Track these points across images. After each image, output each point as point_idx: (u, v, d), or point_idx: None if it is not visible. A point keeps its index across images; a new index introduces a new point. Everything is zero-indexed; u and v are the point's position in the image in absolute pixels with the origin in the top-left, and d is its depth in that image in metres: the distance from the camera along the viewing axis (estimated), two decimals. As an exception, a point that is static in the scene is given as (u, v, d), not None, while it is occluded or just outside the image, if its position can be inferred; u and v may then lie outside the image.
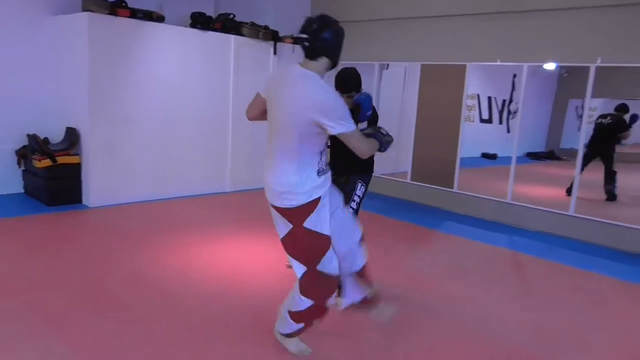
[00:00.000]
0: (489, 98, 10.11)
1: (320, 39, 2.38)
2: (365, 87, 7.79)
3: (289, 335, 2.73)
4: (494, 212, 6.26)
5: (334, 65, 2.48)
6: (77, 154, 5.47)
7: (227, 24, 6.52)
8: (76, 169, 5.45)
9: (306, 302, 2.55)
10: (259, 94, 2.67)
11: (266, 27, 6.82)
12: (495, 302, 3.71)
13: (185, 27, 6.14)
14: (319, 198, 2.44)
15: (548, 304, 3.76)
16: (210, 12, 6.73)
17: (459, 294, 3.84)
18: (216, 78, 6.44)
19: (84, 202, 5.55)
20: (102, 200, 5.52)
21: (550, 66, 6.12)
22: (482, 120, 10.04)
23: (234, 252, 4.40)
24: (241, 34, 6.61)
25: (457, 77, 6.46)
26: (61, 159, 5.29)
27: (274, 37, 6.94)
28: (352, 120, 2.34)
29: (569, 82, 9.43)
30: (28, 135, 5.40)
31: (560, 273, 4.50)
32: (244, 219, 5.48)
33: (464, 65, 6.39)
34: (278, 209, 2.51)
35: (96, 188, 5.47)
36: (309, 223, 2.44)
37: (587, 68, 5.42)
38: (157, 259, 4.05)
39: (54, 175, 5.25)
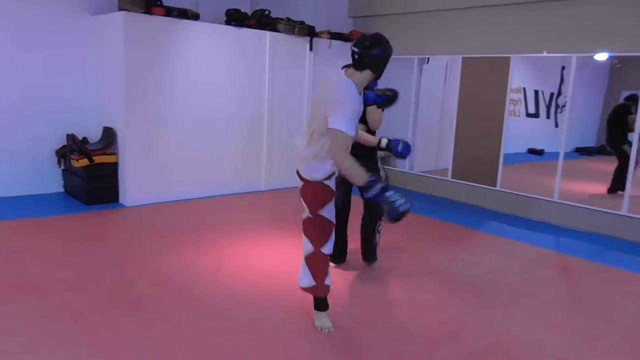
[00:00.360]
0: (536, 91, 9.67)
1: (370, 55, 2.67)
2: (404, 82, 7.63)
3: (309, 291, 2.99)
4: (540, 212, 5.93)
5: (377, 78, 2.81)
6: (114, 154, 5.52)
7: (262, 20, 6.44)
8: (113, 168, 5.50)
9: (309, 245, 2.93)
10: None
11: (302, 23, 6.70)
12: (541, 308, 3.46)
13: (221, 24, 6.09)
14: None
15: (600, 311, 3.48)
16: (246, 8, 6.66)
17: (501, 299, 3.61)
18: (252, 75, 6.38)
19: (121, 201, 5.60)
20: (138, 199, 5.55)
21: (601, 57, 5.72)
22: (529, 115, 9.63)
23: (266, 252, 4.31)
24: (277, 30, 6.52)
25: (500, 70, 6.16)
26: (98, 159, 5.34)
27: (310, 32, 6.82)
28: (351, 125, 2.58)
29: (622, 73, 8.90)
30: (67, 135, 5.48)
31: (613, 277, 4.19)
32: (277, 218, 5.39)
33: (508, 58, 6.07)
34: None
35: (132, 187, 5.50)
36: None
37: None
38: (188, 260, 4.00)
39: (91, 174, 5.32)
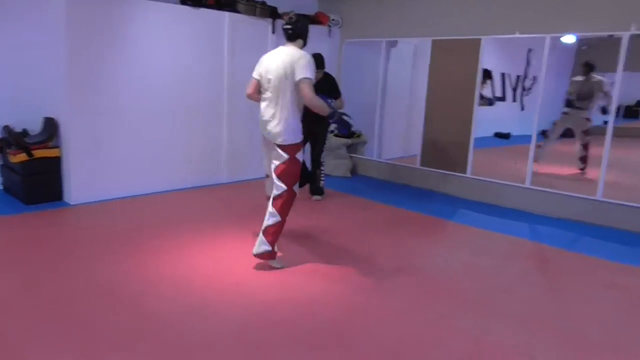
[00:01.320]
0: (502, 74, 9.55)
1: (299, 27, 3.58)
2: (372, 66, 7.31)
3: (263, 257, 3.63)
4: (512, 199, 5.75)
5: (304, 44, 3.65)
6: (57, 147, 5.03)
7: (221, 0, 5.99)
8: (55, 163, 5.01)
9: (276, 215, 3.58)
10: (253, 77, 3.76)
11: (263, 3, 6.29)
12: (521, 307, 3.23)
13: (175, 4, 5.62)
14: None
15: (581, 308, 3.28)
16: (201, -13, 6.16)
17: (478, 295, 3.37)
18: (209, 60, 5.94)
19: (65, 199, 5.12)
20: (85, 196, 5.09)
21: (569, 39, 5.54)
22: (495, 98, 9.53)
23: (226, 254, 3.95)
24: (237, 11, 6.09)
25: (470, 53, 5.91)
26: (38, 153, 4.84)
27: (272, 13, 6.41)
28: (311, 74, 3.43)
29: (588, 55, 8.84)
30: (2, 127, 4.96)
31: (591, 267, 4.01)
32: (239, 213, 5.03)
33: (479, 40, 5.82)
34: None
35: (78, 184, 5.04)
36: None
37: (610, 40, 4.88)
38: (138, 266, 3.62)
39: (30, 170, 4.82)
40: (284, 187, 3.53)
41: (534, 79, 7.42)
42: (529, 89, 8.09)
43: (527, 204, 5.63)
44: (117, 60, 5.13)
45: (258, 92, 3.71)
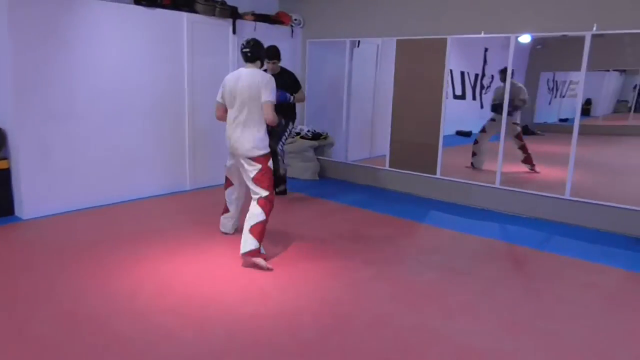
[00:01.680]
0: (462, 73, 9.63)
1: (257, 51, 3.87)
2: (335, 67, 7.20)
3: (251, 254, 3.73)
4: (481, 199, 5.74)
5: (262, 64, 3.99)
6: (5, 158, 4.68)
7: (177, 0, 5.73)
8: (4, 175, 4.65)
9: (262, 215, 3.80)
10: (218, 102, 4.03)
11: (223, 3, 6.06)
12: (500, 311, 3.16)
13: (129, 4, 5.33)
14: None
15: (560, 309, 3.24)
16: (157, -14, 5.88)
17: (457, 299, 3.29)
18: (168, 62, 5.67)
19: (17, 213, 4.77)
20: (37, 210, 4.76)
21: (525, 39, 5.56)
22: (455, 97, 9.60)
23: (194, 266, 3.73)
24: (195, 11, 5.84)
25: (437, 52, 5.87)
26: (-16, 165, 4.49)
27: (232, 13, 6.19)
28: (273, 97, 3.79)
29: (541, 55, 9.02)
30: (-57, 138, 4.58)
31: (564, 267, 4.00)
32: (205, 222, 4.80)
33: (445, 39, 5.79)
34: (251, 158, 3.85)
35: (29, 196, 4.70)
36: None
37: (563, 40, 5.03)
38: (98, 284, 3.36)
39: (-25, 184, 4.46)
40: (266, 191, 3.83)
41: (492, 77, 7.49)
42: (488, 87, 8.15)
43: (497, 204, 5.63)
44: (68, 64, 4.82)
45: (225, 112, 3.97)
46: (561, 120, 7.49)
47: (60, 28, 4.71)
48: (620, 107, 7.14)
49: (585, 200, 5.06)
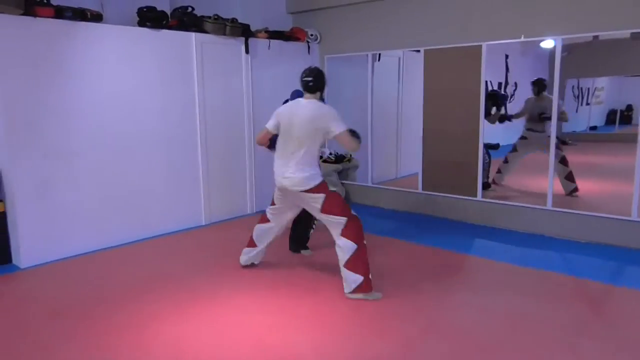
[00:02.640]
0: (485, 82, 9.13)
1: (318, 80, 3.62)
2: (357, 82, 6.68)
3: (358, 291, 3.46)
4: (531, 222, 5.12)
5: (322, 95, 3.75)
6: (0, 200, 4.19)
7: (185, 20, 5.27)
8: (0, 219, 4.17)
9: (352, 245, 3.45)
10: (268, 129, 3.75)
11: (234, 20, 5.59)
12: (597, 376, 2.54)
13: (133, 26, 4.88)
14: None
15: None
16: (162, 6, 5.43)
17: (537, 352, 2.68)
18: (177, 87, 5.19)
19: (14, 261, 4.27)
20: (37, 257, 4.25)
21: (548, 44, 5.02)
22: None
23: (222, 325, 3.17)
24: (204, 31, 5.37)
25: (471, 61, 5.33)
26: (-25, 211, 4.00)
27: (244, 31, 5.72)
28: (345, 125, 3.51)
29: (566, 61, 8.51)
30: None
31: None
32: (228, 264, 4.24)
33: (480, 46, 5.24)
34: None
35: (28, 242, 4.20)
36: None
37: (590, 45, 4.64)
38: (103, 350, 2.81)
39: (-34, 232, 3.97)
40: (343, 218, 3.50)
41: (515, 85, 6.92)
42: (511, 96, 7.55)
43: (550, 227, 5.00)
44: (66, 94, 4.35)
45: (269, 141, 3.83)
46: (591, 128, 6.90)
47: (56, 55, 4.26)
48: None
49: (657, 221, 4.43)
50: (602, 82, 6.46)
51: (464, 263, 4.32)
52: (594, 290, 3.66)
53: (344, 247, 3.47)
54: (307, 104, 3.57)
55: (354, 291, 3.45)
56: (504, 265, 4.20)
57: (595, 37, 4.78)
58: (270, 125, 3.72)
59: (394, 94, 7.41)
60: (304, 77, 3.60)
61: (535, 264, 4.18)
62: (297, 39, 6.47)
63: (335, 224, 3.50)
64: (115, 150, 4.73)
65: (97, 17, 4.55)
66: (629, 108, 6.09)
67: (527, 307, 3.37)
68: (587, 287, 3.72)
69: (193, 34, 5.27)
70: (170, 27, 5.14)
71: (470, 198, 5.53)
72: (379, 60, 6.44)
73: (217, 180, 5.64)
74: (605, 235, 4.67)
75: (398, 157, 7.51)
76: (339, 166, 6.48)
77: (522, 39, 4.97)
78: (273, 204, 3.91)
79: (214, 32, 5.43)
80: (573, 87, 8.18)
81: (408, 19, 5.78)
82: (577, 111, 7.57)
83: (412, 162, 7.19)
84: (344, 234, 3.47)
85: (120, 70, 4.72)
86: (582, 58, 4.80)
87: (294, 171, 3.52)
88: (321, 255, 4.46)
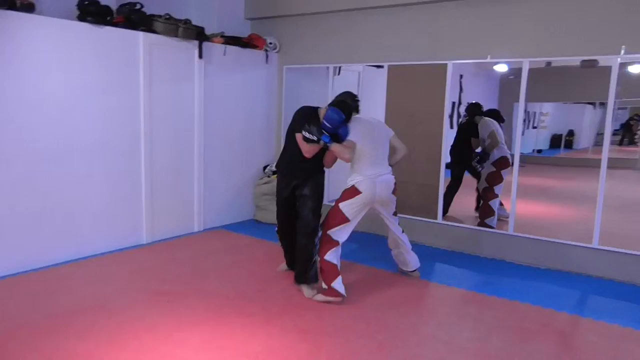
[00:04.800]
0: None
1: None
2: (316, 96, 6.37)
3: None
4: (493, 248, 4.95)
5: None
6: None
7: (132, 17, 4.80)
8: None
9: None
10: (353, 142, 3.76)
11: (187, 22, 5.17)
12: None
13: (71, 20, 4.37)
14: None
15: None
16: (107, 0, 4.92)
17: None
18: (120, 90, 4.70)
19: None
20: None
21: (501, 68, 5.09)
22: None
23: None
24: (153, 31, 4.92)
25: (436, 80, 5.14)
26: None
27: (198, 35, 5.30)
28: None
29: (512, 84, 8.66)
30: None
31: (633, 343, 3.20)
32: (170, 290, 3.79)
33: (445, 65, 5.06)
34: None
35: None
36: None
37: (538, 70, 4.64)
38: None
39: None
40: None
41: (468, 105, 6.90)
42: (465, 115, 7.55)
43: (511, 253, 4.84)
44: (-10, 92, 3.80)
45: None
46: (537, 151, 7.00)
47: (-22, 47, 3.71)
48: (600, 139, 6.81)
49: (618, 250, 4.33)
50: (547, 107, 6.55)
51: (425, 291, 4.06)
52: (561, 322, 3.48)
53: (407, 240, 4.25)
54: (365, 117, 4.06)
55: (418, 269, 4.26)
56: (466, 294, 3.96)
57: (548, 63, 4.73)
58: (356, 137, 3.77)
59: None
60: (357, 99, 3.92)
61: (498, 293, 3.97)
62: (254, 47, 6.11)
63: (397, 221, 4.20)
64: (44, 157, 4.18)
65: (28, 7, 4.03)
66: (571, 133, 6.28)
67: (492, 342, 3.12)
68: (554, 319, 3.53)
69: (141, 34, 4.81)
70: (115, 24, 4.66)
71: (431, 220, 5.31)
72: (338, 74, 6.18)
73: (161, 194, 5.15)
74: (566, 262, 4.55)
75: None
76: (294, 183, 6.13)
77: (489, 59, 4.83)
78: (332, 223, 3.76)
79: (164, 33, 4.99)
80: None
81: (373, 32, 5.55)
82: (523, 134, 7.67)
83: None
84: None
85: (54, 69, 4.19)
86: (531, 83, 4.74)
87: (385, 176, 3.87)
88: (275, 282, 4.08)
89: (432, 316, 3.56)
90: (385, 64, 5.50)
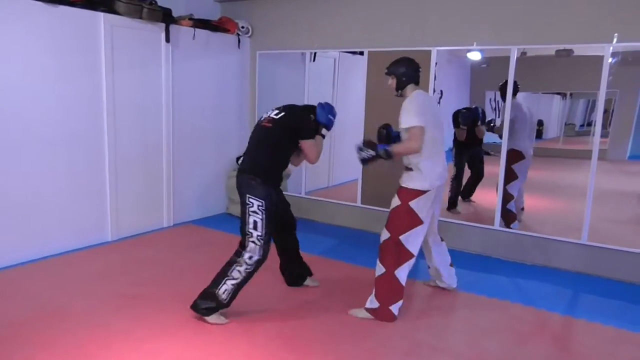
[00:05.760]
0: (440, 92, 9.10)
1: None
2: (291, 83, 6.09)
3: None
4: (479, 243, 4.81)
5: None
6: None
7: (92, -4, 4.41)
8: None
9: None
10: (422, 127, 3.07)
11: (152, 3, 4.78)
12: None
13: (24, -1, 3.95)
14: None
15: None
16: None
17: None
18: (80, 77, 4.32)
19: None
20: None
21: (475, 56, 4.95)
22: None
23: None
24: (115, 12, 4.53)
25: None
26: None
27: (165, 17, 4.93)
28: None
29: (485, 72, 8.59)
30: None
31: (617, 344, 3.08)
32: (140, 292, 3.48)
33: (429, 51, 4.85)
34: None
35: None
36: None
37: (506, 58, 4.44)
38: None
39: None
40: None
41: (441, 93, 6.76)
42: (437, 103, 7.46)
43: (498, 249, 4.71)
44: None
45: None
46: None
47: None
48: (568, 130, 6.83)
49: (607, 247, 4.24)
50: (518, 97, 6.55)
51: (412, 290, 3.87)
52: (554, 324, 3.34)
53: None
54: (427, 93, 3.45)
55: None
56: (455, 294, 3.79)
57: (523, 52, 4.59)
58: (422, 121, 3.10)
59: (327, 97, 6.93)
60: (419, 68, 3.32)
61: (486, 292, 3.82)
62: (226, 31, 5.76)
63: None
64: (-5, 151, 3.79)
65: (-27, -17, 3.60)
66: (540, 123, 6.21)
67: (486, 345, 2.95)
68: (546, 320, 3.39)
69: (102, 14, 4.41)
70: (72, 4, 4.24)
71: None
72: (313, 60, 5.89)
73: (127, 187, 4.80)
74: (555, 259, 4.44)
75: (331, 164, 7.04)
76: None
77: (475, 46, 4.63)
78: (408, 226, 3.18)
79: (127, 14, 4.60)
80: (490, 99, 8.23)
81: (352, 17, 5.28)
82: (498, 124, 7.63)
83: (345, 170, 6.74)
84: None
85: (4, 53, 3.78)
86: (501, 71, 4.60)
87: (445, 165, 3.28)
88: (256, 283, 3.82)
89: (422, 319, 3.37)
90: (366, 50, 5.24)
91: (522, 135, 4.94)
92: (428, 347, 2.96)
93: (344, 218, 5.61)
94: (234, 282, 3.05)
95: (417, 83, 3.29)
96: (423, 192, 3.14)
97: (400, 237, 3.14)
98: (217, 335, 2.99)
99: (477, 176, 5.66)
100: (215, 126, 5.77)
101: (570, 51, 4.37)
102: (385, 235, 3.23)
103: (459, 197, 5.54)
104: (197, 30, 5.33)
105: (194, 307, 3.11)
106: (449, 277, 3.70)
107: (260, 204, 3.05)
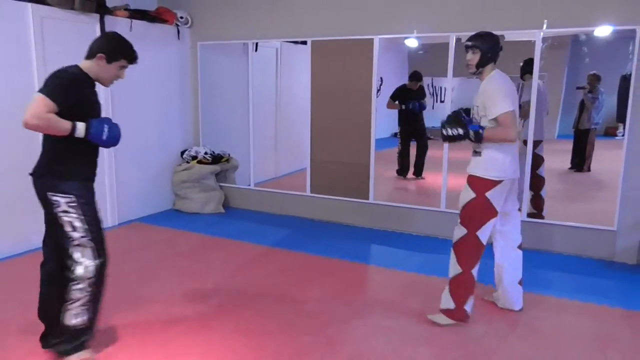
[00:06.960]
0: (381, 77, 9.26)
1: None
2: (233, 74, 6.00)
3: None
4: (425, 224, 4.95)
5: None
6: None
7: (17, -14, 4.15)
8: None
9: None
10: (513, 111, 2.84)
11: (85, -7, 4.57)
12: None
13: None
14: None
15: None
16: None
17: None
18: (9, 72, 4.07)
19: None
20: None
21: (412, 42, 5.15)
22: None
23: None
24: (45, 2, 4.29)
25: (362, 56, 4.98)
26: None
27: (99, 7, 4.73)
28: None
29: (421, 59, 8.84)
30: None
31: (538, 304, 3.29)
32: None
33: (371, 40, 4.91)
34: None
35: None
36: None
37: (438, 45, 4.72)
38: None
39: None
40: None
41: (381, 80, 6.95)
42: (378, 90, 7.65)
43: (445, 229, 4.87)
44: None
45: None
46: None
47: None
48: None
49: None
50: (454, 82, 6.84)
51: (365, 276, 3.95)
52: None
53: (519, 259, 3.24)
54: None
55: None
56: (407, 276, 3.91)
57: (458, 39, 4.75)
58: (512, 105, 2.84)
59: (271, 87, 6.90)
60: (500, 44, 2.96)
61: (438, 272, 3.95)
62: (164, 21, 5.58)
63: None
64: None
65: None
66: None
67: (445, 327, 3.07)
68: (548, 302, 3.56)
69: (29, 5, 4.17)
70: (-4, -6, 4.00)
71: (362, 201, 5.21)
72: (255, 50, 5.84)
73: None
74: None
75: (277, 155, 7.03)
76: (216, 167, 5.76)
77: (415, 34, 4.73)
78: (480, 222, 2.92)
79: (58, 5, 4.38)
80: (428, 85, 8.51)
81: (294, 6, 5.25)
82: (433, 108, 7.88)
83: (292, 160, 6.75)
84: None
85: None
86: (438, 58, 4.77)
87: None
88: (207, 278, 3.76)
89: (378, 303, 3.45)
90: (309, 40, 5.24)
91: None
92: (387, 330, 3.03)
93: (294, 207, 5.62)
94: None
95: (495, 63, 2.98)
96: (499, 181, 2.88)
97: (477, 233, 2.92)
98: (171, 335, 2.93)
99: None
100: (158, 119, 5.61)
101: (502, 37, 4.54)
102: (460, 232, 2.97)
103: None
104: (134, 21, 5.14)
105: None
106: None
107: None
